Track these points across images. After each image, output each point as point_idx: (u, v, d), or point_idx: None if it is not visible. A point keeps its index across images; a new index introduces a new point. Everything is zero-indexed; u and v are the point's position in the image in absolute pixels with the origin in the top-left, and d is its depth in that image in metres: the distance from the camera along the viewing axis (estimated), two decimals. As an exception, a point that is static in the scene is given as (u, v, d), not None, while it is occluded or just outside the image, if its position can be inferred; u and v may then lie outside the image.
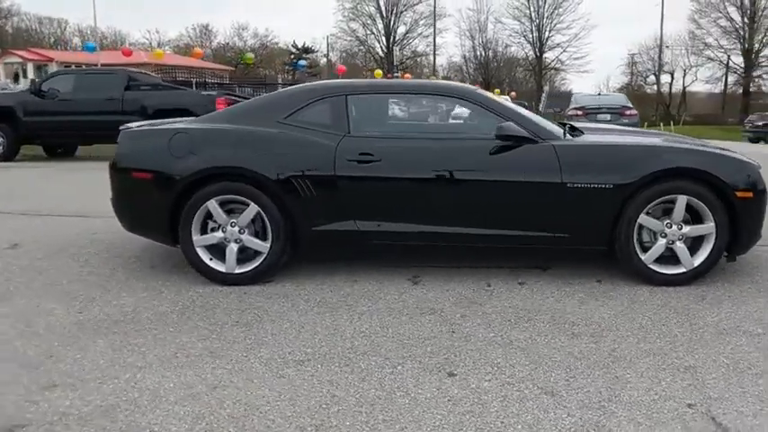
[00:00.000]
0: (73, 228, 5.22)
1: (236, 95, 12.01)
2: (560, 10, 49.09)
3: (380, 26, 56.47)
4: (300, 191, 3.49)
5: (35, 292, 3.56)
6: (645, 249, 3.50)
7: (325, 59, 59.10)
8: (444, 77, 45.38)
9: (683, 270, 3.48)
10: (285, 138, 3.56)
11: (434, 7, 46.12)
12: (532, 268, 3.89)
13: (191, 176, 3.50)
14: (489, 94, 3.73)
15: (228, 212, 3.58)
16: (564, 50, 50.68)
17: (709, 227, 3.42)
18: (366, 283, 3.65)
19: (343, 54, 62.58)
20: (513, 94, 43.01)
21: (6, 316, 3.19)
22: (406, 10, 54.70)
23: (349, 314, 3.17)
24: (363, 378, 2.47)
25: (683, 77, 44.37)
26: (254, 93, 18.02)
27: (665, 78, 44.80)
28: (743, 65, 39.63)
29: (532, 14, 50.85)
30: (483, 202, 3.49)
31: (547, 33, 50.56)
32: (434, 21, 45.65)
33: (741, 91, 40.58)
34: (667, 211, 3.49)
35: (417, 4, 53.07)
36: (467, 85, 3.96)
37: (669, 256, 3.50)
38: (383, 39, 57.10)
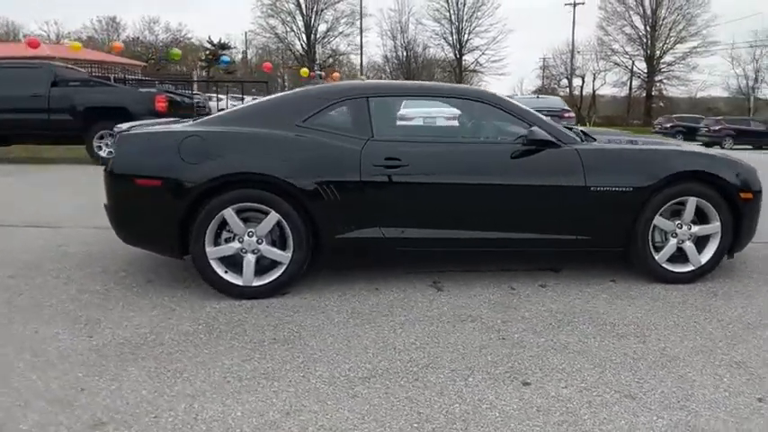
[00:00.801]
0: (34, 240, 4.74)
1: (175, 93, 11.39)
2: (479, 13, 50.65)
3: (300, 23, 55.73)
4: (324, 198, 3.34)
5: (23, 316, 3.18)
6: (657, 249, 3.65)
7: (240, 56, 57.66)
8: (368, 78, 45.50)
9: (692, 268, 3.66)
10: (308, 142, 3.40)
11: (360, 7, 46.06)
12: (545, 270, 3.95)
13: (206, 183, 3.26)
14: (506, 98, 3.74)
15: (243, 221, 3.37)
16: (483, 53, 52.32)
17: (715, 226, 3.62)
18: (389, 291, 3.56)
19: (260, 51, 61.31)
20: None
21: (3, 345, 2.82)
22: (326, 8, 54.32)
23: (389, 325, 3.07)
24: (441, 392, 2.39)
25: (593, 81, 47.14)
26: (176, 89, 17.15)
27: (576, 82, 47.39)
28: (646, 70, 42.64)
29: (452, 17, 52.12)
30: (508, 206, 3.50)
31: (466, 36, 51.99)
32: (360, 19, 45.60)
33: (645, 94, 43.67)
34: (675, 213, 3.65)
35: (338, 2, 52.86)
36: (483, 89, 3.95)
37: (678, 255, 3.67)
38: (303, 36, 56.39)
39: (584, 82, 47.71)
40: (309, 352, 2.76)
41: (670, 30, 41.25)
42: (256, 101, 3.84)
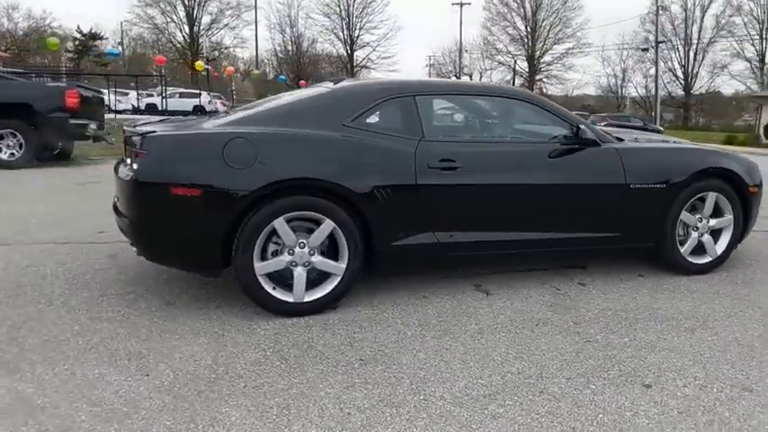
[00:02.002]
0: (-10, 261, 4.02)
1: (87, 87, 10.25)
2: (369, 10, 51.05)
3: (182, 14, 52.80)
4: (380, 203, 3.13)
5: (43, 355, 2.66)
6: (680, 243, 3.83)
7: (114, 47, 53.42)
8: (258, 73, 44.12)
9: (710, 259, 3.90)
10: (361, 143, 3.15)
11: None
12: (573, 268, 4.01)
13: (257, 191, 2.91)
14: (547, 99, 3.73)
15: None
16: (374, 49, 52.86)
17: (728, 219, 3.89)
18: (439, 299, 3.42)
19: (134, 42, 57.46)
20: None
21: (46, 394, 2.33)
22: (210, -1, 51.91)
23: (467, 335, 2.94)
24: (576, 403, 2.32)
25: (480, 79, 49.20)
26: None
27: (464, 80, 49.28)
28: (527, 69, 45.39)
29: (342, 12, 52.09)
30: (555, 205, 3.50)
31: (357, 32, 52.20)
32: (255, 11, 43.97)
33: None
34: (692, 207, 3.86)
35: (222, -8, 50.73)
36: (525, 89, 3.90)
37: (696, 248, 3.89)
38: (185, 27, 53.51)
39: (471, 80, 49.78)
40: (410, 371, 2.56)
41: (548, 31, 44.32)
42: (287, 99, 3.49)
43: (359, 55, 54.12)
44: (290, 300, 3.09)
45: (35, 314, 3.12)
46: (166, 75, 36.64)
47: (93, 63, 44.72)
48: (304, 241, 3.07)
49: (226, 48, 56.15)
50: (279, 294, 3.08)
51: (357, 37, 53.60)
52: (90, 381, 2.44)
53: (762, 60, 37.80)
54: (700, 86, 40.45)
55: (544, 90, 45.90)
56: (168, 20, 51.75)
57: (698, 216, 3.83)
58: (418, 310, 3.26)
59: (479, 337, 2.93)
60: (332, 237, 3.11)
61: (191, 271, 3.38)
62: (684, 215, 3.76)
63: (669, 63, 40.46)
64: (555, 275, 3.86)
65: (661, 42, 35.44)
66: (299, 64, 55.34)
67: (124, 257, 4.16)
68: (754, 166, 4.01)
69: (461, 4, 49.39)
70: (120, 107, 24.59)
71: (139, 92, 28.17)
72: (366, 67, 55.81)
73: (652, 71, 42.86)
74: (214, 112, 15.99)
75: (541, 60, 45.20)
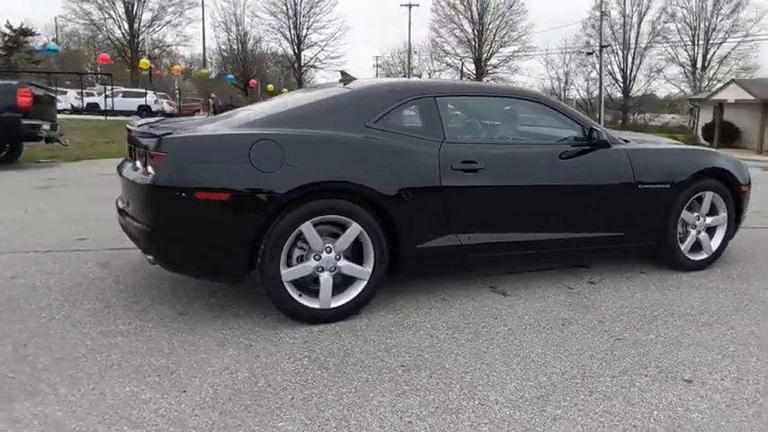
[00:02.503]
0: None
1: (39, 86, 9.66)
2: (317, 9, 50.57)
3: (121, 10, 50.74)
4: (407, 205, 3.08)
5: (61, 373, 2.47)
6: (680, 241, 3.96)
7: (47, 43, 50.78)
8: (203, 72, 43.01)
9: (706, 256, 4.06)
10: (386, 145, 3.09)
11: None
12: (579, 267, 4.08)
13: (286, 195, 2.81)
14: (556, 100, 3.77)
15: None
16: (322, 49, 52.41)
17: (723, 217, 4.05)
18: (459, 301, 3.41)
19: (74, 38, 54.96)
20: (285, 90, 43.03)
21: (79, 417, 2.16)
22: (151, -6, 50.11)
23: (500, 337, 2.94)
24: (628, 401, 2.35)
25: (428, 80, 49.81)
26: None
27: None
28: (475, 71, 46.15)
29: (289, 11, 51.40)
30: (572, 206, 3.55)
31: (305, 31, 51.62)
32: (203, 9, 42.67)
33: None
34: (690, 206, 4.00)
35: (164, -11, 49.10)
36: (535, 91, 3.93)
37: (694, 245, 4.03)
38: (125, 24, 51.48)
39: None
40: (456, 376, 2.53)
41: (495, 34, 45.23)
42: (304, 100, 3.37)
43: (306, 54, 53.54)
44: (317, 306, 3.00)
45: (38, 330, 2.89)
46: (103, 72, 35.16)
47: (25, 60, 42.38)
48: (330, 246, 2.99)
49: (168, 46, 54.40)
50: (305, 301, 2.98)
51: (305, 36, 52.99)
52: (123, 400, 2.28)
53: (694, 65, 39.95)
54: (637, 89, 42.34)
55: (491, 92, 46.91)
56: (106, 16, 49.63)
57: (696, 214, 3.98)
58: (443, 313, 3.23)
59: (512, 338, 2.93)
60: (356, 241, 3.04)
61: (212, 279, 3.23)
62: (685, 214, 3.90)
63: (609, 67, 42.10)
64: (564, 275, 3.92)
65: (605, 46, 36.83)
66: (244, 63, 54.22)
67: (117, 266, 3.94)
68: (743, 166, 4.20)
69: (410, 6, 49.81)
70: (59, 106, 23.37)
71: (79, 91, 26.89)
72: (314, 67, 55.34)
73: (593, 74, 44.53)
74: (170, 114, 15.45)
75: (488, 63, 46.14)
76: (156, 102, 28.32)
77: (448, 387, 2.44)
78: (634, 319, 3.21)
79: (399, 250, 3.13)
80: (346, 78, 3.76)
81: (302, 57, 53.78)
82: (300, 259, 2.99)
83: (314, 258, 2.97)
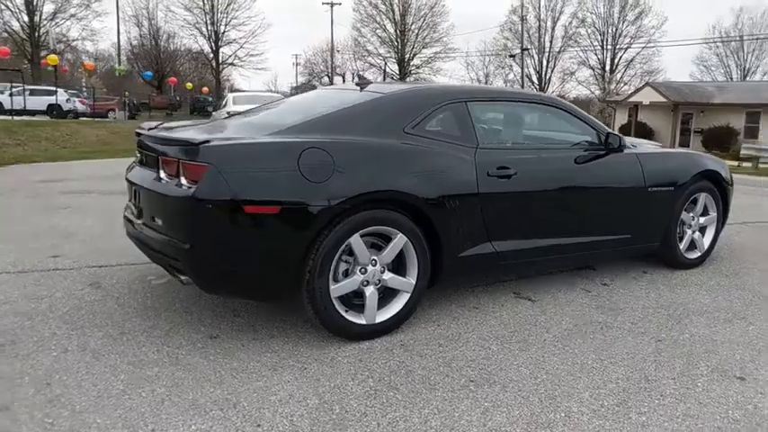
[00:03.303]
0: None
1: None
2: (235, 5, 49.06)
3: (19, 1, 46.87)
4: (450, 213, 3.02)
5: (110, 416, 2.21)
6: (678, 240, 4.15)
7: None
8: (120, 68, 40.59)
9: (700, 254, 4.28)
10: (429, 152, 3.01)
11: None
12: (584, 269, 4.17)
13: (339, 206, 2.65)
14: (575, 106, 3.82)
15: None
16: (241, 46, 50.89)
17: (713, 216, 4.29)
18: (491, 309, 3.39)
19: (-38, 30, 50.23)
20: (205, 89, 41.52)
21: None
22: (52, -15, 46.64)
23: (550, 345, 2.94)
24: (700, 402, 2.41)
25: (353, 80, 49.58)
26: None
27: (338, 80, 49.40)
28: (398, 71, 46.58)
29: (206, 6, 49.50)
30: (594, 209, 3.63)
31: (223, 28, 49.91)
32: (117, 5, 40.12)
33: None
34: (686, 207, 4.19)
35: (66, -21, 45.85)
36: (556, 97, 3.95)
37: (690, 244, 4.24)
38: (23, 16, 47.63)
39: (344, 80, 50.02)
40: (529, 388, 2.49)
41: (417, 35, 45.84)
42: (335, 104, 3.19)
43: (225, 51, 51.77)
44: (363, 322, 2.87)
45: (56, 365, 2.57)
46: (9, 68, 32.23)
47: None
48: (375, 258, 2.87)
49: (74, 40, 50.85)
50: (351, 317, 2.84)
51: (223, 33, 51.20)
52: (198, 439, 2.07)
53: (603, 68, 42.51)
54: (552, 91, 44.38)
55: (415, 92, 47.47)
56: (2, 7, 45.69)
57: (691, 215, 4.18)
58: (482, 323, 3.19)
59: (560, 345, 2.94)
60: (400, 252, 2.94)
61: (257, 299, 3.02)
62: (684, 215, 4.09)
63: (526, 69, 43.90)
64: (575, 277, 4.00)
65: (526, 50, 38.32)
66: (158, 60, 51.69)
67: (111, 286, 3.60)
68: (726, 166, 4.46)
69: (332, 4, 49.48)
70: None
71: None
72: (233, 65, 53.71)
73: (510, 76, 46.34)
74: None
75: (411, 63, 46.73)
76: (67, 100, 26.35)
77: (527, 401, 2.40)
78: (662, 318, 3.32)
79: (441, 260, 3.05)
80: (363, 82, 3.64)
81: (220, 54, 52.00)
82: (346, 273, 2.84)
83: (360, 272, 2.84)
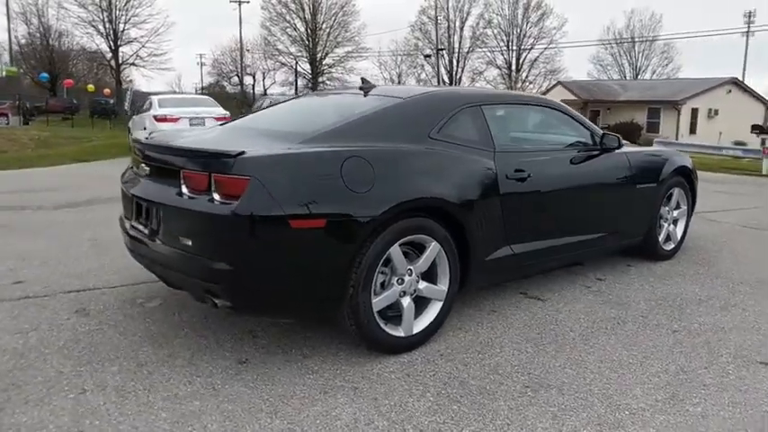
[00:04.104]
0: None
1: None
2: (135, 2, 46.42)
3: None
4: (478, 218, 3.00)
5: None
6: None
7: None
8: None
9: (674, 245, 4.55)
10: (455, 157, 2.97)
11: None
12: (573, 265, 4.30)
13: (381, 216, 2.55)
14: (571, 108, 3.90)
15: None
16: (143, 46, 48.22)
17: (684, 210, 4.57)
18: (509, 311, 3.41)
19: None
20: (107, 91, 38.90)
21: None
22: None
23: (581, 343, 3.00)
24: (740, 389, 2.55)
25: (264, 79, 48.55)
26: None
27: (248, 80, 48.18)
28: (310, 71, 46.06)
29: (102, 3, 46.46)
30: (595, 207, 3.77)
31: (122, 26, 47.05)
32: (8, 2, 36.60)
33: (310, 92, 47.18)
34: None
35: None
36: (553, 100, 4.01)
37: (666, 236, 4.49)
38: None
39: (255, 80, 48.89)
40: (583, 389, 2.53)
41: (329, 34, 45.48)
42: (350, 108, 3.05)
43: (125, 51, 48.83)
44: (401, 334, 2.79)
45: (79, 409, 2.29)
46: None
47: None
48: (411, 268, 2.79)
49: (-53, 38, 46.02)
50: (390, 330, 2.75)
51: (122, 31, 48.28)
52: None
53: (509, 68, 44.40)
54: (463, 90, 45.66)
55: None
56: None
57: (666, 209, 4.44)
58: (509, 326, 3.19)
59: (590, 343, 3.01)
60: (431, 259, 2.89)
61: (298, 319, 2.83)
62: (662, 209, 4.33)
63: (436, 68, 44.96)
64: (569, 274, 4.11)
65: (441, 50, 39.15)
66: (50, 60, 47.92)
67: (100, 312, 3.27)
68: (691, 161, 4.77)
69: (239, 2, 48.13)
70: None
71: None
72: (134, 65, 50.80)
73: (422, 76, 47.21)
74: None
75: (323, 63, 46.35)
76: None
77: (588, 402, 2.43)
78: (667, 310, 3.49)
79: (470, 265, 3.03)
80: (367, 86, 3.53)
81: (120, 54, 49.03)
82: (382, 285, 2.75)
83: (397, 282, 2.75)
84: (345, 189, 2.50)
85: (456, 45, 45.44)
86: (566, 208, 3.58)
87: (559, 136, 3.78)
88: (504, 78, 45.02)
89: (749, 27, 42.30)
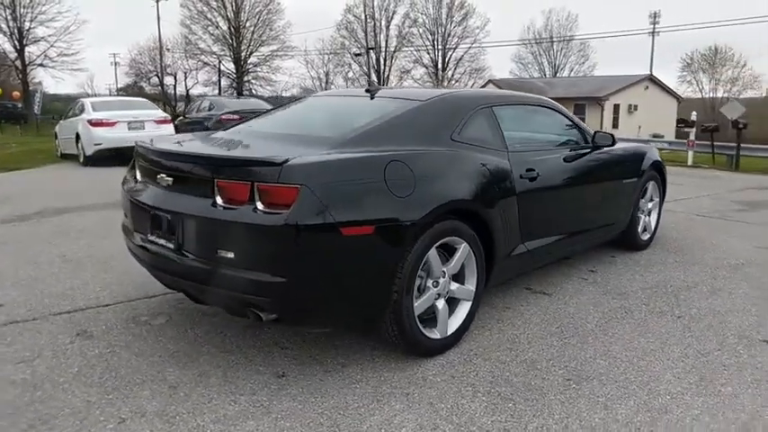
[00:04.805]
0: None
1: None
2: (41, -1, 43.38)
3: None
4: (501, 218, 3.06)
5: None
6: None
7: None
8: None
9: (649, 235, 4.81)
10: (479, 159, 3.00)
11: None
12: (563, 259, 4.46)
13: (422, 220, 2.54)
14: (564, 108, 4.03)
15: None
16: (51, 45, 45.22)
17: (657, 201, 4.85)
18: (521, 307, 3.49)
19: None
20: (16, 93, 36.14)
21: None
22: None
23: (601, 334, 3.12)
24: (754, 366, 2.74)
25: (185, 79, 46.73)
26: None
27: (169, 80, 46.27)
28: (235, 70, 44.85)
29: (5, 0, 43.17)
30: (595, 202, 3.95)
31: (28, 24, 43.91)
32: None
33: (236, 93, 45.95)
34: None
35: None
36: (551, 100, 4.10)
37: (643, 227, 4.75)
38: None
39: (176, 80, 47.01)
40: (619, 378, 2.63)
41: (253, 33, 44.49)
42: (368, 110, 3.00)
43: (32, 51, 45.61)
44: (437, 336, 2.80)
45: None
46: None
47: None
48: (444, 270, 2.80)
49: None
50: (428, 332, 2.75)
51: (28, 30, 45.07)
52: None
53: (436, 66, 45.23)
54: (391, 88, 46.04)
55: (254, 91, 46.16)
56: None
57: (643, 200, 4.69)
58: (528, 322, 3.27)
59: (609, 333, 3.13)
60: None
61: (346, 328, 2.76)
62: (641, 202, 4.57)
63: (364, 67, 45.10)
64: (562, 267, 4.26)
65: (372, 48, 39.22)
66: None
67: (104, 333, 3.07)
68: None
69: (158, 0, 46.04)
70: None
71: None
72: (42, 66, 47.55)
73: (350, 74, 47.17)
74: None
75: (248, 62, 45.30)
76: None
77: (630, 390, 2.54)
78: (663, 296, 3.69)
79: (493, 264, 3.07)
80: (373, 88, 3.50)
81: (26, 54, 45.74)
82: (420, 289, 2.74)
83: (432, 285, 2.76)
84: (390, 194, 2.47)
85: (383, 44, 45.74)
86: (569, 204, 3.72)
87: (558, 135, 3.91)
88: (430, 77, 45.77)
89: (654, 27, 45.26)
